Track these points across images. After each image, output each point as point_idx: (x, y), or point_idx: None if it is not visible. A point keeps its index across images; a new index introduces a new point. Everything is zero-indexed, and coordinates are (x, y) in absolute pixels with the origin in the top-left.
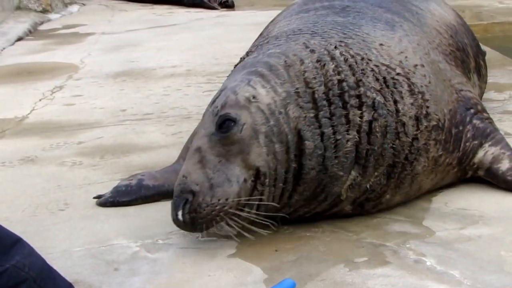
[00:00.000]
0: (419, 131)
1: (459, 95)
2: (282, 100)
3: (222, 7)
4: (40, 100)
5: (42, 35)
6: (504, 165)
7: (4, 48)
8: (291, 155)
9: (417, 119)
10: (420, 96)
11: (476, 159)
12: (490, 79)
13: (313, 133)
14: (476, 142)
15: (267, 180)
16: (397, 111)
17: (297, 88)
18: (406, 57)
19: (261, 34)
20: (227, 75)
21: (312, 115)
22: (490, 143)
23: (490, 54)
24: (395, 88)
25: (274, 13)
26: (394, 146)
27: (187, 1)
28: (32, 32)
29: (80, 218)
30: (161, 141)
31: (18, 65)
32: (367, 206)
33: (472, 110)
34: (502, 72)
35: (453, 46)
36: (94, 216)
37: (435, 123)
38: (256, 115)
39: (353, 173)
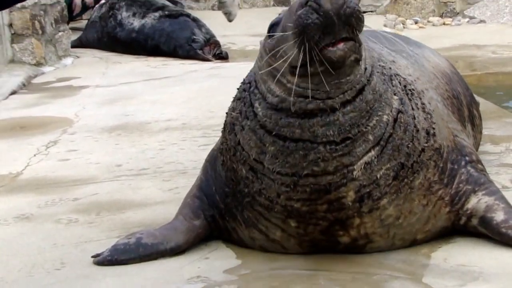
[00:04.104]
0: (427, 145)
1: (455, 139)
2: None
3: (216, 59)
4: (34, 155)
5: (36, 88)
6: (498, 216)
7: None
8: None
9: (427, 133)
10: (429, 116)
11: (469, 205)
12: (486, 131)
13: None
14: (469, 187)
15: None
16: (414, 117)
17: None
18: (415, 80)
19: None
20: (222, 129)
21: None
22: (484, 192)
23: (485, 105)
24: (412, 98)
25: None
26: (408, 146)
27: (181, 53)
28: (26, 86)
29: (76, 278)
30: (158, 197)
31: (12, 119)
32: (364, 206)
33: (467, 158)
34: (497, 125)
35: (450, 93)
36: (91, 275)
37: (437, 146)
38: None
39: (372, 152)
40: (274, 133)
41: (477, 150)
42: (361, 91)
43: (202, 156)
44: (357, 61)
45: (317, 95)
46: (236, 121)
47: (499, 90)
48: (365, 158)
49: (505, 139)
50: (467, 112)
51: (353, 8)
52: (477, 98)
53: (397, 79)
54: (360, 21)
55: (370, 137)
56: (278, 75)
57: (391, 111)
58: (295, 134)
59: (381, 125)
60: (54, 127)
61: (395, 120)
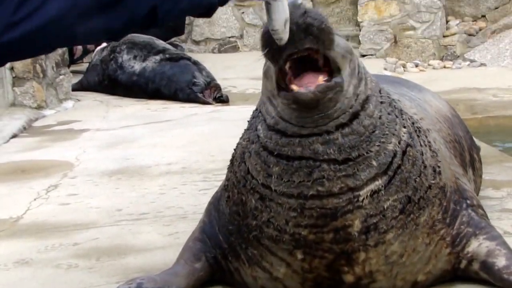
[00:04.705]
0: (433, 182)
1: (457, 181)
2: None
3: (216, 102)
4: (35, 199)
5: (37, 131)
6: (500, 262)
7: None
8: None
9: (434, 170)
10: (435, 154)
11: (470, 248)
12: (487, 176)
13: (377, 103)
14: (470, 229)
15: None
16: (422, 153)
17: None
18: (420, 119)
19: None
20: (223, 172)
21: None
22: (485, 236)
23: (486, 149)
24: (420, 135)
25: None
26: (416, 180)
27: (182, 97)
28: (27, 129)
29: None
30: (158, 242)
31: (12, 163)
32: (371, 238)
33: (468, 201)
34: (499, 169)
35: (452, 137)
36: None
37: (442, 185)
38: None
39: (379, 180)
40: (276, 153)
41: (477, 194)
42: (356, 115)
43: (202, 200)
44: (339, 92)
45: (305, 125)
46: (245, 149)
47: (500, 133)
48: (372, 186)
49: (507, 184)
50: (468, 157)
51: (314, 19)
52: (478, 142)
53: (406, 114)
54: (324, 32)
55: (374, 162)
56: (271, 96)
57: (398, 142)
58: (296, 153)
59: (386, 153)
60: (55, 170)
61: (404, 152)
